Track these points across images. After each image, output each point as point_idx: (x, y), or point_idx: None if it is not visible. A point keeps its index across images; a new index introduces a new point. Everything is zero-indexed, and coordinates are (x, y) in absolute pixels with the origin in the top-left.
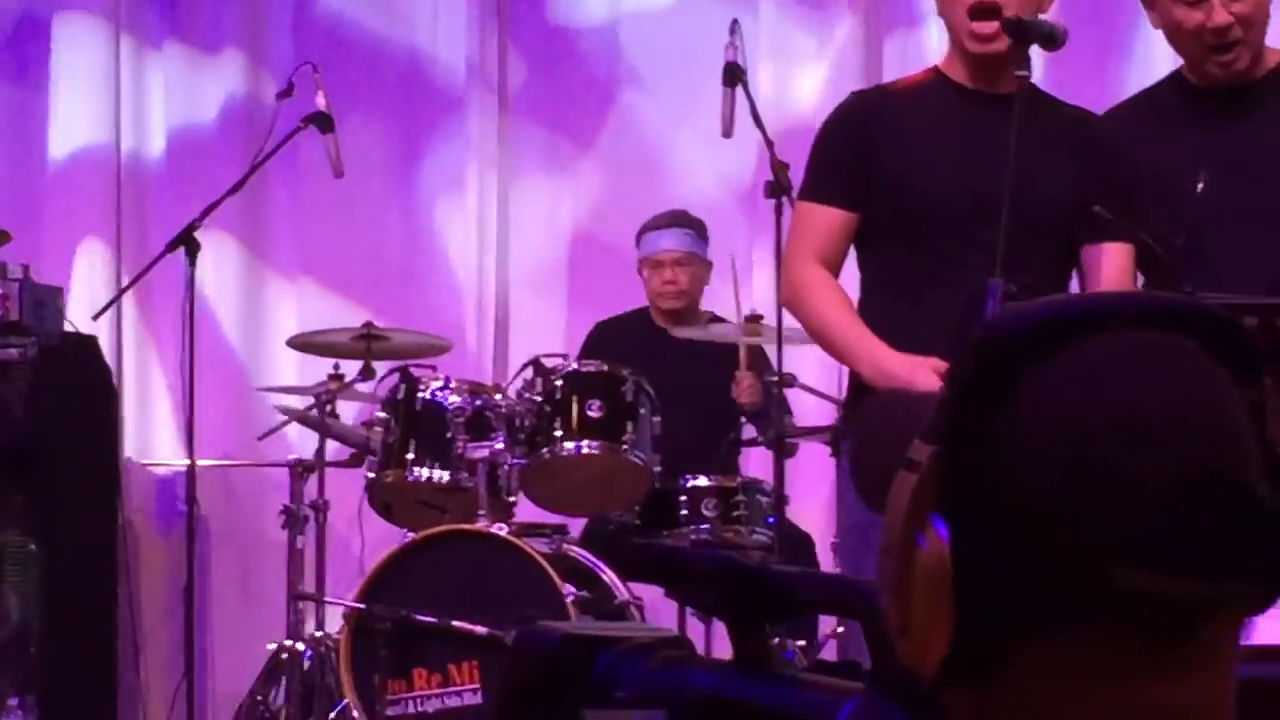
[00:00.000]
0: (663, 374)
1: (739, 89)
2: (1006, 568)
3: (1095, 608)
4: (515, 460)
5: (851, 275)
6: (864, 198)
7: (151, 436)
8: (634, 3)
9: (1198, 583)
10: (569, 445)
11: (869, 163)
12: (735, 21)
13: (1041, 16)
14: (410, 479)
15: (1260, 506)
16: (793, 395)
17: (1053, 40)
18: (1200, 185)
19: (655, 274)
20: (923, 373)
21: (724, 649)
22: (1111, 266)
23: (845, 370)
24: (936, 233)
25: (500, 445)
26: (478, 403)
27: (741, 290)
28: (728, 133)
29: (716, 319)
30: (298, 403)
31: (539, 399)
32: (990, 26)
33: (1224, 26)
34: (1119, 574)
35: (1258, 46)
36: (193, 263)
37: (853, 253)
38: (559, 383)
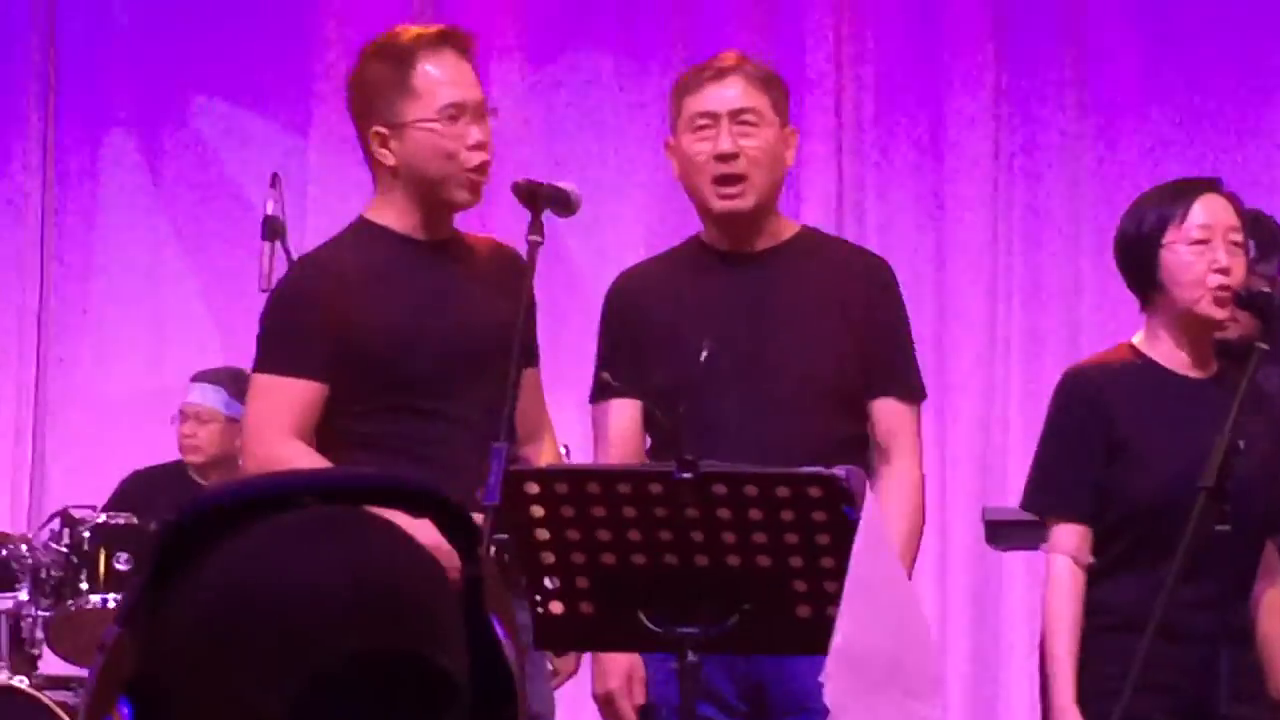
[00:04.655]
0: None
1: (278, 244)
2: None
3: None
4: (40, 612)
5: None
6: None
7: None
8: None
9: None
10: (95, 598)
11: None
12: (275, 175)
13: (560, 184)
14: None
15: (446, 678)
16: None
17: (567, 207)
18: (705, 354)
19: (181, 425)
20: None
21: None
22: (617, 425)
23: None
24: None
25: (25, 596)
26: (2, 552)
27: None
28: (266, 288)
29: None
30: None
31: (66, 550)
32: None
33: (728, 153)
34: None
35: (763, 193)
36: None
37: None
38: (86, 534)
